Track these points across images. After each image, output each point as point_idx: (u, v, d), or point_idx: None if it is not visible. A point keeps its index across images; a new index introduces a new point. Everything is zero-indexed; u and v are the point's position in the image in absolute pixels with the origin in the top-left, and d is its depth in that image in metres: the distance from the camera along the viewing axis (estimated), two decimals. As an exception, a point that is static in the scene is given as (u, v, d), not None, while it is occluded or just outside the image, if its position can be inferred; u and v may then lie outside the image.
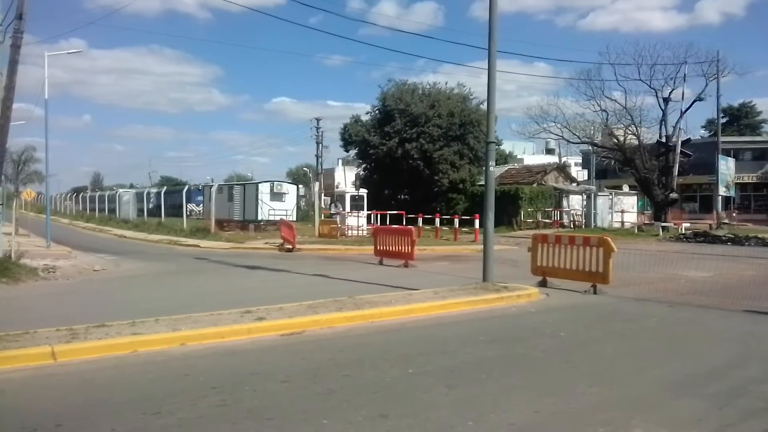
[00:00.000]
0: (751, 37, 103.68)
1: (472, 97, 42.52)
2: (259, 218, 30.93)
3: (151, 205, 37.85)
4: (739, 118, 68.66)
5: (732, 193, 39.02)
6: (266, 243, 22.50)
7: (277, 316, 8.19)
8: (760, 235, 26.44)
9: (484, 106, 38.85)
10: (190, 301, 10.05)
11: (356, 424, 4.62)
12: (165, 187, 47.39)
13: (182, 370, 6.15)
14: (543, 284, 11.51)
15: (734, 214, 39.09)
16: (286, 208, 31.21)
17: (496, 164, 44.51)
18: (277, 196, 31.76)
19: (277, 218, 28.18)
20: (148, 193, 43.59)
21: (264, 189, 31.71)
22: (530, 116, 35.69)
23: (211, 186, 32.02)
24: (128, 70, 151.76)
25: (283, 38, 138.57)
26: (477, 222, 24.02)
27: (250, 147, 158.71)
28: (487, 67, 11.50)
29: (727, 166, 36.85)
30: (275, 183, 33.37)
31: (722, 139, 37.81)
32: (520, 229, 30.56)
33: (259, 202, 30.97)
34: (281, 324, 7.88)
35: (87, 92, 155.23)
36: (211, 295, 11.18)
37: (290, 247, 20.04)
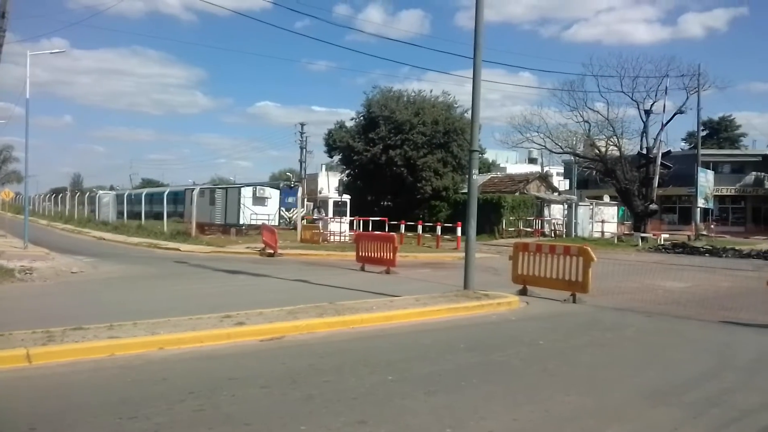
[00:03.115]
0: (733, 52, 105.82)
1: (456, 105, 42.76)
2: (241, 222, 30.75)
3: (143, 207, 37.43)
4: (718, 132, 69.86)
5: (710, 205, 39.61)
6: (248, 247, 22.39)
7: (257, 321, 8.15)
8: (737, 247, 26.89)
9: (468, 115, 39.08)
10: (169, 304, 9.97)
11: (335, 430, 4.61)
12: (146, 190, 47.00)
13: (160, 375, 6.10)
14: (523, 292, 11.58)
15: (712, 226, 39.68)
16: (269, 213, 31.08)
17: (480, 173, 44.81)
18: (259, 200, 31.60)
19: (260, 223, 28.04)
20: (129, 195, 43.14)
21: (246, 193, 31.54)
22: (514, 126, 35.98)
23: (193, 189, 31.76)
24: (111, 71, 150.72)
25: (268, 42, 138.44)
26: (459, 230, 24.15)
27: (232, 150, 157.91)
28: (472, 76, 11.59)
29: (706, 179, 37.41)
30: (258, 187, 33.20)
31: (702, 151, 38.32)
32: (502, 238, 30.75)
33: (242, 206, 30.79)
34: (261, 329, 7.85)
35: (68, 92, 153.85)
36: (190, 298, 11.10)
37: (272, 251, 19.96)
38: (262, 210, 31.03)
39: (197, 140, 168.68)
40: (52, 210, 54.96)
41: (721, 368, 6.84)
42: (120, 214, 40.24)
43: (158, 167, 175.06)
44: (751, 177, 51.22)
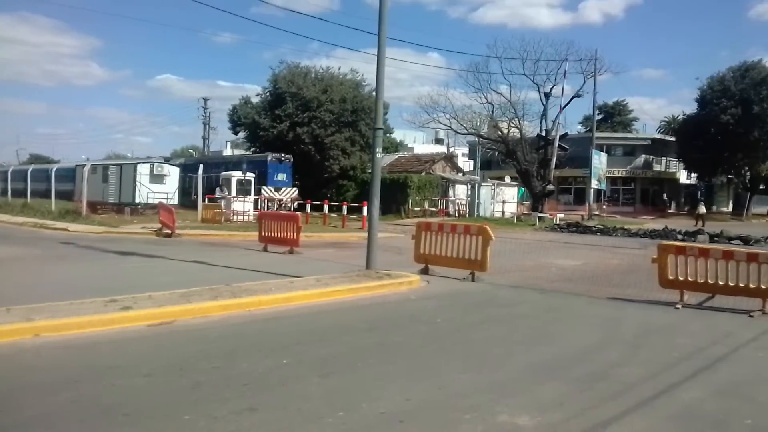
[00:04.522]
0: (628, 39, 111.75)
1: (365, 83, 42.65)
2: (137, 201, 29.26)
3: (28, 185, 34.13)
4: (612, 116, 73.85)
5: (603, 186, 41.93)
6: (143, 227, 21.32)
7: (145, 305, 7.70)
8: (626, 227, 28.60)
9: (375, 94, 39.08)
10: (51, 288, 9.23)
11: (221, 418, 4.39)
12: (32, 166, 43.76)
13: (33, 364, 5.64)
14: (425, 272, 11.69)
15: (605, 207, 42.03)
16: (167, 191, 29.71)
17: (387, 152, 45.17)
18: (157, 177, 30.12)
19: (157, 202, 26.78)
20: (13, 172, 39.96)
21: (143, 170, 29.95)
22: (421, 106, 36.42)
23: (84, 165, 29.80)
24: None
25: (169, 11, 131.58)
26: (365, 209, 24.10)
27: (131, 125, 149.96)
28: (376, 52, 11.44)
29: (599, 161, 39.51)
30: (155, 164, 31.64)
31: (596, 134, 40.40)
32: (408, 218, 31.08)
33: (137, 183, 29.25)
34: (150, 313, 7.41)
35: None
36: (75, 282, 10.37)
37: (169, 232, 19.10)
38: (160, 188, 29.60)
39: (92, 114, 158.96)
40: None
41: (608, 343, 7.16)
42: (3, 192, 37.23)
43: (49, 142, 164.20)
44: (641, 160, 54.67)
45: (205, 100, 58.25)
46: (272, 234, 15.95)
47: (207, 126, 57.51)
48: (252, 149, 43.54)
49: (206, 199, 26.06)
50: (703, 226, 29.55)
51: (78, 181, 31.09)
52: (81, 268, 12.42)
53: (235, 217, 25.37)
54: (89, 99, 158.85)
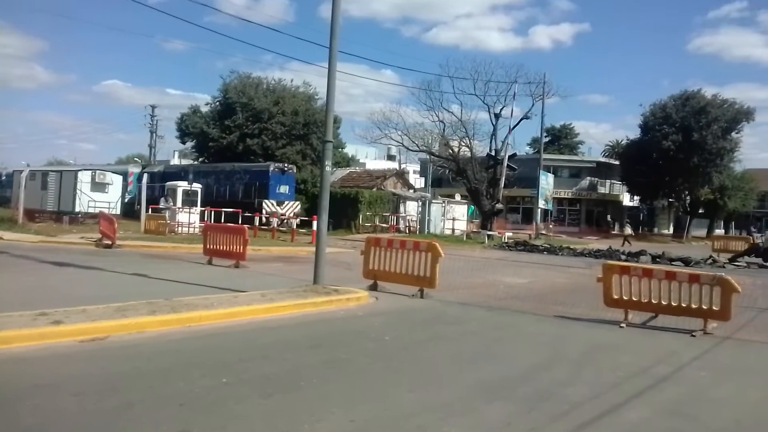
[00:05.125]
0: (575, 65, 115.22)
1: (317, 97, 42.52)
2: (77, 210, 28.14)
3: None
4: (559, 138, 76.02)
5: (550, 206, 42.87)
6: (82, 237, 20.47)
7: (78, 319, 7.27)
8: (572, 246, 29.23)
9: (328, 108, 38.99)
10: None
11: (152, 442, 4.12)
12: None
13: (-53, 384, 5.21)
14: (374, 288, 11.53)
15: (551, 226, 42.93)
16: (110, 200, 28.71)
17: (339, 167, 45.04)
18: (99, 186, 29.06)
19: (98, 211, 25.79)
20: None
21: (84, 177, 28.85)
22: (374, 122, 36.49)
23: (22, 171, 28.52)
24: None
25: (118, 14, 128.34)
26: (315, 223, 23.81)
27: (74, 131, 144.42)
28: (327, 63, 11.32)
29: (547, 182, 40.40)
30: (98, 171, 30.54)
31: (544, 156, 41.29)
32: (359, 233, 30.88)
33: (78, 191, 28.15)
34: (82, 328, 7.00)
35: None
36: (3, 293, 9.75)
37: (109, 242, 18.38)
38: (102, 197, 28.57)
39: (34, 119, 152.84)
40: None
41: (555, 361, 7.14)
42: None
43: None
44: (586, 182, 56.26)
45: (153, 107, 56.97)
46: (218, 247, 15.52)
47: (154, 134, 56.20)
48: (200, 159, 42.69)
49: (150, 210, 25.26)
50: (630, 246, 30.57)
51: (15, 187, 29.74)
52: (12, 279, 11.75)
53: (180, 228, 24.66)
54: (31, 102, 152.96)
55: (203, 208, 27.30)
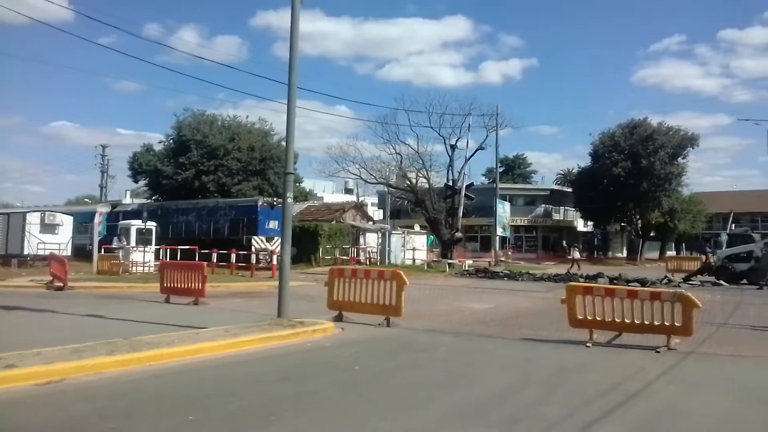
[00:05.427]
0: (525, 98, 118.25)
1: (273, 132, 42.33)
2: (26, 252, 27.12)
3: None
4: (513, 168, 77.79)
5: (507, 233, 43.47)
6: (32, 280, 19.65)
7: (32, 362, 6.90)
8: (531, 271, 29.59)
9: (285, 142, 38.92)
10: None
11: (116, 486, 3.88)
12: None
13: None
14: (339, 318, 11.36)
15: (510, 253, 43.43)
16: (60, 242, 27.77)
17: (297, 201, 44.68)
18: (48, 227, 28.12)
19: (48, 253, 24.88)
20: None
21: (33, 219, 27.91)
22: (331, 156, 36.40)
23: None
24: None
25: (68, 57, 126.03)
26: (275, 258, 23.49)
27: (21, 173, 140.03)
28: (287, 94, 11.30)
29: (503, 210, 41.04)
30: (47, 213, 29.59)
31: (499, 185, 42.03)
32: (319, 266, 30.57)
33: (27, 233, 27.17)
34: (37, 372, 6.64)
35: None
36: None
37: (61, 284, 17.69)
38: (52, 239, 27.62)
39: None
40: None
41: (525, 383, 7.11)
42: None
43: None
44: (541, 209, 57.47)
45: (104, 147, 56.07)
46: (175, 284, 15.08)
47: (105, 174, 55.07)
48: (153, 198, 41.79)
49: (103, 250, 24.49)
50: (579, 269, 31.11)
51: (-41, 231, 28.54)
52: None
53: (134, 268, 23.95)
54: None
55: (158, 246, 26.61)
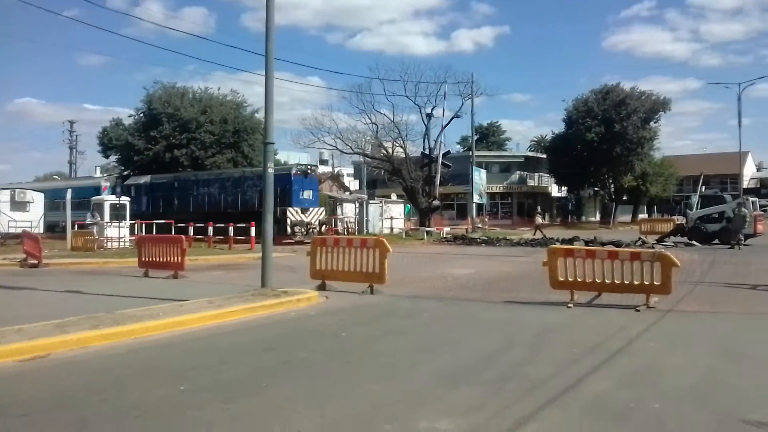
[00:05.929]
0: (498, 66, 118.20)
1: (246, 104, 41.74)
2: (-4, 231, 26.59)
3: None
4: (488, 136, 78.01)
5: (484, 200, 43.69)
6: (5, 258, 19.29)
7: (14, 338, 6.81)
8: (508, 237, 29.87)
9: (259, 115, 38.51)
10: None
11: (113, 456, 3.86)
12: None
13: None
14: (322, 287, 11.37)
15: (486, 219, 43.78)
16: (31, 219, 27.24)
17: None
18: (19, 205, 27.57)
19: (20, 231, 24.40)
20: None
21: (3, 197, 27.32)
22: (306, 127, 36.26)
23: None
24: None
25: (30, 30, 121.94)
26: (253, 229, 23.33)
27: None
28: (264, 63, 11.09)
29: (480, 177, 41.16)
30: (17, 190, 28.98)
31: (475, 153, 42.13)
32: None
33: (-3, 212, 26.64)
34: (20, 348, 6.56)
35: None
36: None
37: (35, 262, 17.38)
38: (23, 216, 27.09)
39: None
40: None
41: (511, 344, 7.22)
42: None
43: None
44: (516, 176, 57.93)
45: (72, 123, 54.81)
46: (154, 258, 14.92)
47: (74, 150, 53.92)
48: (125, 173, 41.07)
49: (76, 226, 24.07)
50: (543, 235, 31.00)
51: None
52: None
53: (109, 243, 23.62)
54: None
55: (132, 221, 26.23)
